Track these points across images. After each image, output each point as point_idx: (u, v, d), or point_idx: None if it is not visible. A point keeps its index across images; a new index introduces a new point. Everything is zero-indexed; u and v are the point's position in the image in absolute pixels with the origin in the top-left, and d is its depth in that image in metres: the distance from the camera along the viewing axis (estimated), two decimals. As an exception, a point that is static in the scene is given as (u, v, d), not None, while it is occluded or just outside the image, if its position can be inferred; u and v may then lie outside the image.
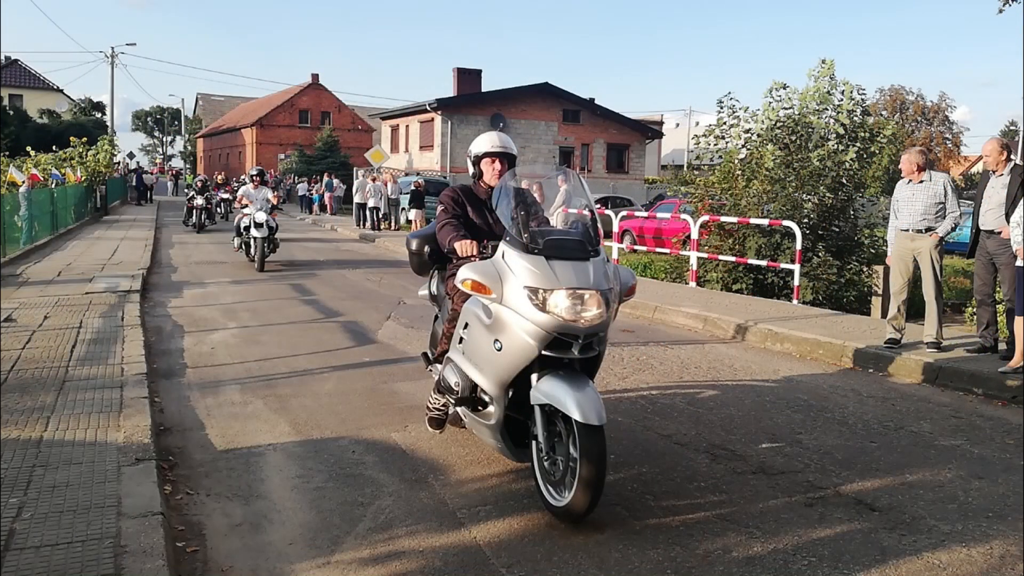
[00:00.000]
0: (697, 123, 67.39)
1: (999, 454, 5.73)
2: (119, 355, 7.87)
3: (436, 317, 6.11)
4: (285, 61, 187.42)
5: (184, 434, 5.97)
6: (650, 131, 48.15)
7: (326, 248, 22.45)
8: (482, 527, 4.42)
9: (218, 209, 31.97)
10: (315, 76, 68.39)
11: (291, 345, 9.14)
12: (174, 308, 11.63)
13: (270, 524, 4.45)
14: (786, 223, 12.72)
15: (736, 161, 15.45)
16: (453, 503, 4.75)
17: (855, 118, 14.85)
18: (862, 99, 15.18)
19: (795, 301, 12.18)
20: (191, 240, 23.94)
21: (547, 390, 4.36)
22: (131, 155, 68.96)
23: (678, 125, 74.29)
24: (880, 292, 13.26)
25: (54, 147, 35.53)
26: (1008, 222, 7.59)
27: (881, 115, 52.78)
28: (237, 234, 17.52)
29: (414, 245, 5.94)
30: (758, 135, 15.26)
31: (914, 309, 9.21)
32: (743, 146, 15.52)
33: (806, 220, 14.06)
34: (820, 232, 14.37)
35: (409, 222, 27.44)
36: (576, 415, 4.13)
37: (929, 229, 8.38)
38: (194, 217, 27.73)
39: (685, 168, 47.89)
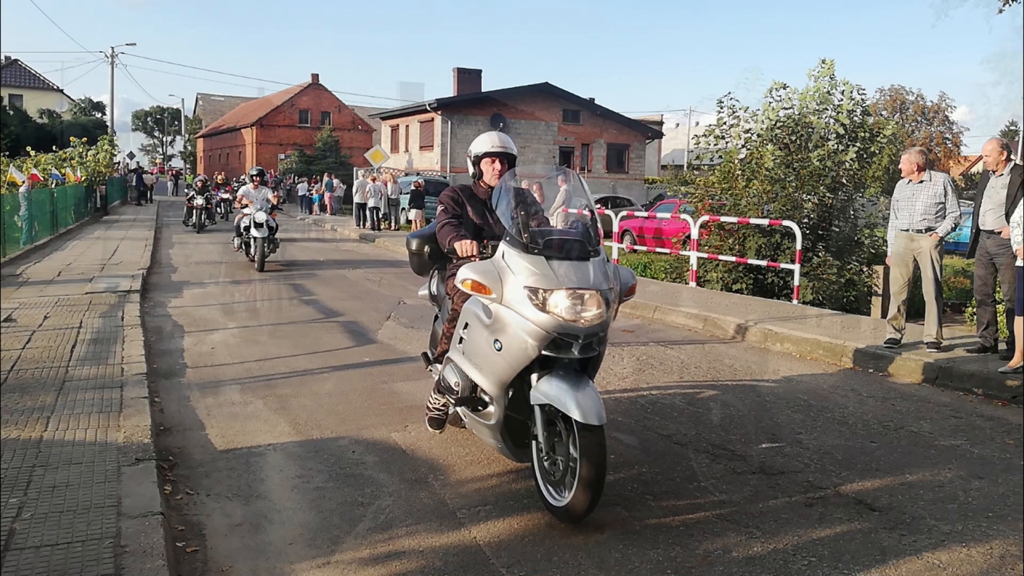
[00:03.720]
0: (697, 123, 67.33)
1: (999, 454, 5.73)
2: (119, 355, 7.87)
3: (436, 317, 6.11)
4: (285, 61, 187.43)
5: (184, 434, 5.97)
6: (650, 131, 48.15)
7: (326, 248, 22.46)
8: (482, 527, 4.42)
9: (218, 209, 31.99)
10: (315, 76, 68.58)
11: (291, 345, 9.14)
12: (174, 308, 11.63)
13: (270, 524, 4.46)
14: (786, 223, 12.72)
15: (736, 161, 15.43)
16: (453, 503, 4.75)
17: (855, 118, 14.84)
18: (862, 99, 15.17)
19: (795, 301, 12.18)
20: (191, 240, 23.95)
21: (547, 390, 4.36)
22: (131, 155, 68.87)
23: (678, 125, 74.29)
24: (880, 292, 13.27)
25: (54, 147, 35.53)
26: (1008, 222, 7.59)
27: (881, 115, 52.72)
28: (237, 234, 17.52)
29: (414, 245, 5.94)
30: (758, 135, 15.25)
31: (914, 309, 9.20)
32: (743, 146, 15.51)
33: (806, 220, 14.06)
34: (820, 232, 14.38)
35: (409, 222, 27.44)
36: (576, 415, 4.13)
37: (929, 229, 8.37)
38: (194, 217, 27.78)
39: (685, 168, 47.93)
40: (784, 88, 15.30)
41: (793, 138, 14.91)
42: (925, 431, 6.23)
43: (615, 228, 19.14)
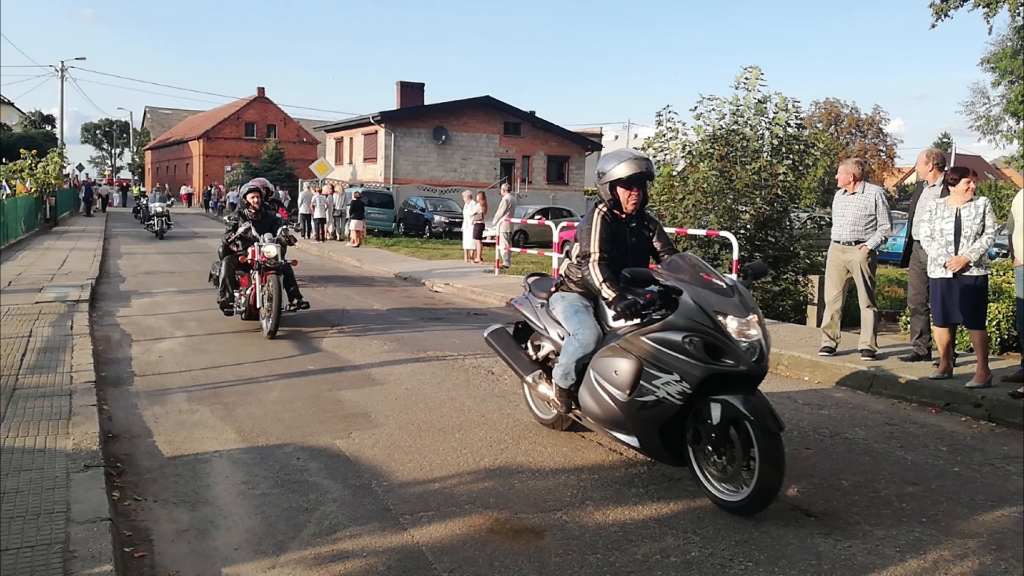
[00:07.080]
0: (636, 135, 68.08)
1: (932, 460, 5.85)
2: (68, 364, 7.87)
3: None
4: (232, 74, 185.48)
5: (132, 441, 5.98)
6: (589, 143, 48.46)
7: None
8: (424, 531, 4.46)
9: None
10: (261, 90, 69.11)
11: (237, 354, 9.14)
12: (122, 317, 11.55)
13: (216, 529, 4.48)
14: (723, 234, 12.86)
15: (675, 173, 15.53)
16: (396, 508, 4.78)
17: (789, 130, 15.01)
18: (796, 111, 15.34)
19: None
20: (139, 250, 23.62)
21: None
22: (80, 167, 68.11)
23: (617, 138, 74.94)
24: (815, 301, 13.49)
25: (3, 159, 35.02)
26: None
27: (816, 127, 53.58)
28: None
29: None
30: (691, 153, 15.33)
31: (849, 318, 9.35)
32: (682, 157, 15.60)
33: (743, 231, 14.22)
34: (757, 243, 14.55)
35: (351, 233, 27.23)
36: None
37: (859, 241, 8.50)
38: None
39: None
40: (713, 100, 15.35)
41: (728, 150, 15.03)
42: (860, 438, 6.35)
43: (555, 239, 19.21)
